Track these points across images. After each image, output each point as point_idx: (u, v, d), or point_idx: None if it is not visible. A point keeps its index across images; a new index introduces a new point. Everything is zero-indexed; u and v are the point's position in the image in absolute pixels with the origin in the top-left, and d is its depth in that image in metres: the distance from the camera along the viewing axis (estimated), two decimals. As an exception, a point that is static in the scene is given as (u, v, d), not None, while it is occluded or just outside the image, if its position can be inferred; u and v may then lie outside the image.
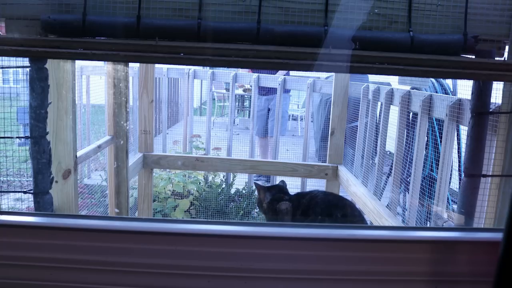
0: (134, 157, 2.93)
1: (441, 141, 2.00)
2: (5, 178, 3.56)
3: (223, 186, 3.98)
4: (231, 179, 4.05)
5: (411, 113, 2.45)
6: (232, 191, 3.98)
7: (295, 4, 1.15)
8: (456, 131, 1.93)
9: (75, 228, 0.96)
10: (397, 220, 2.11)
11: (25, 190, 1.25)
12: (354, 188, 2.68)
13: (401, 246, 0.89)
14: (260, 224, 0.97)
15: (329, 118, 3.00)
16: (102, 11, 1.13)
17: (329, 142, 2.99)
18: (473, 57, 1.16)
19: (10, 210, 0.97)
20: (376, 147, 2.64)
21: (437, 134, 2.58)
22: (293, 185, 4.00)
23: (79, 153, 2.31)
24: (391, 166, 2.54)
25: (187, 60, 1.12)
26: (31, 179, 1.21)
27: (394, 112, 2.42)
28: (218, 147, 4.33)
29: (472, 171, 1.21)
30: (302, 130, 5.03)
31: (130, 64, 3.09)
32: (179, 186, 3.69)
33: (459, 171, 2.21)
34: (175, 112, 6.40)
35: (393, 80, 3.74)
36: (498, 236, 0.62)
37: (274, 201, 1.96)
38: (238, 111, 8.48)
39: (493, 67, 1.12)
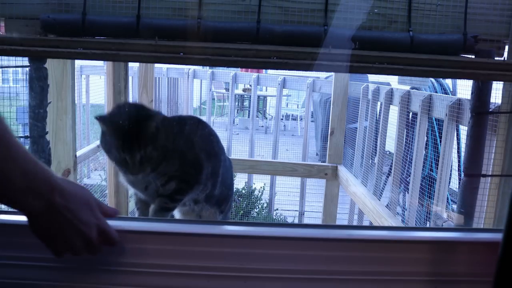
0: (133, 157, 2.92)
1: (440, 141, 2.00)
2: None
3: (223, 186, 3.97)
4: (231, 179, 4.04)
5: (411, 113, 2.45)
6: (232, 191, 3.97)
7: (295, 4, 1.15)
8: (455, 131, 1.93)
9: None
10: (396, 220, 2.11)
11: (24, 189, 1.25)
12: (353, 188, 2.68)
13: (401, 246, 0.89)
14: (260, 224, 0.97)
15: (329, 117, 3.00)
16: (102, 11, 1.13)
17: (328, 142, 2.99)
18: (473, 57, 1.16)
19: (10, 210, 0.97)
20: (375, 147, 2.64)
21: (437, 134, 2.58)
22: (293, 185, 4.00)
23: (78, 153, 2.31)
24: (391, 166, 2.54)
25: (186, 59, 1.12)
26: (31, 178, 1.21)
27: (394, 112, 2.42)
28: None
29: (472, 171, 1.21)
30: (302, 130, 5.03)
31: (130, 64, 3.08)
32: (179, 186, 3.68)
33: (458, 171, 2.21)
34: (175, 112, 6.39)
35: (393, 80, 3.74)
36: (498, 236, 0.62)
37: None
38: (237, 111, 8.48)
39: (493, 67, 1.12)
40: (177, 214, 1.33)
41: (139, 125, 1.06)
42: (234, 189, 3.95)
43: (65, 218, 0.67)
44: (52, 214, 0.66)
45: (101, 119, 1.07)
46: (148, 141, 1.06)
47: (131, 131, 1.05)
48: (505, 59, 1.17)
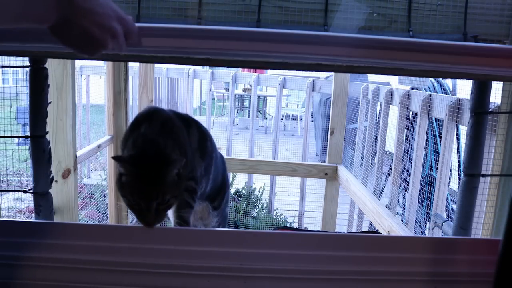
0: (133, 157, 2.92)
1: (440, 141, 2.00)
2: (4, 178, 3.56)
3: (223, 185, 3.97)
4: (231, 179, 4.05)
5: (411, 113, 2.45)
6: (232, 191, 3.98)
7: (295, 4, 1.15)
8: (455, 130, 1.94)
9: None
10: (396, 220, 2.11)
11: (24, 189, 1.25)
12: (353, 188, 2.68)
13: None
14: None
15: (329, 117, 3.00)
16: (102, 11, 1.13)
17: (328, 142, 2.99)
18: (473, 57, 1.15)
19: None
20: (375, 147, 2.65)
21: (437, 133, 2.59)
22: (293, 185, 4.00)
23: (78, 153, 2.31)
24: (391, 166, 2.54)
25: (187, 59, 1.12)
26: (31, 178, 1.21)
27: (394, 112, 2.42)
28: (218, 147, 4.32)
29: (472, 170, 1.21)
30: (302, 130, 5.04)
31: (130, 64, 3.09)
32: (179, 186, 3.67)
33: (458, 170, 2.22)
34: (175, 112, 6.40)
35: (393, 80, 3.74)
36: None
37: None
38: (237, 111, 8.48)
39: (493, 67, 1.12)
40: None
41: (158, 169, 0.92)
42: (234, 189, 3.96)
43: (86, 19, 0.68)
44: (71, 19, 0.67)
45: (117, 158, 0.96)
46: (167, 188, 0.93)
47: (149, 176, 0.91)
48: (505, 59, 1.17)
